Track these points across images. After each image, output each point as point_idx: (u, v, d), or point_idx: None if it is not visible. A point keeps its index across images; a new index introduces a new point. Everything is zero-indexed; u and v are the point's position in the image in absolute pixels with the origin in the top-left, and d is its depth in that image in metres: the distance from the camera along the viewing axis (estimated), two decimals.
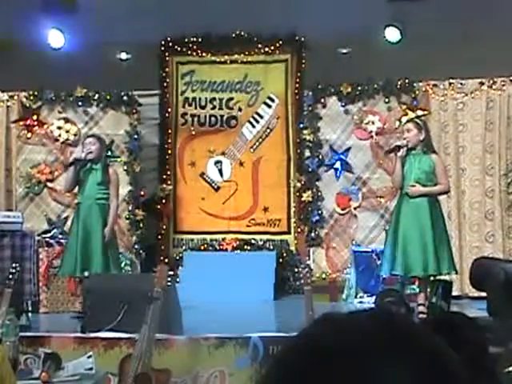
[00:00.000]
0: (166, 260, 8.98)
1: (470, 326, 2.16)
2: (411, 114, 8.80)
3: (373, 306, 6.99)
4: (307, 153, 9.20)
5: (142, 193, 9.29)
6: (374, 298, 7.22)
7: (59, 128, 9.23)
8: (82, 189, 7.08)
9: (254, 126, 9.45)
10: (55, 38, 8.76)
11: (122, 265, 8.69)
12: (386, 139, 8.89)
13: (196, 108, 9.56)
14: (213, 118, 9.54)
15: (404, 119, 8.40)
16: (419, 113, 8.83)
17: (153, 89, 9.49)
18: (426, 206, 6.54)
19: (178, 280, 8.36)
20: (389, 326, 0.84)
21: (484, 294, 6.70)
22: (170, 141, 9.49)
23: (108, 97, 9.28)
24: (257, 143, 9.44)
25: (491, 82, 8.77)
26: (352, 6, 8.01)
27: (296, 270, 8.38)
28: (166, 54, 9.51)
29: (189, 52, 9.51)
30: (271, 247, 9.21)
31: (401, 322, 0.86)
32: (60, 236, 8.28)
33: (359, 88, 9.07)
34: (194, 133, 9.55)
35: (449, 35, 8.49)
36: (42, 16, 8.32)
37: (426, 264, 6.45)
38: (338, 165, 9.12)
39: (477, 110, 8.77)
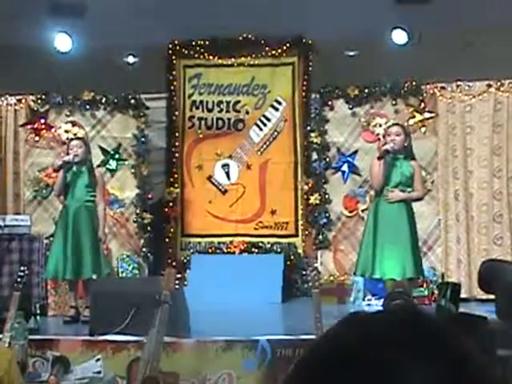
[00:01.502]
0: (174, 263, 8.98)
1: (478, 326, 2.16)
2: (419, 117, 8.80)
3: (381, 308, 6.97)
4: (314, 155, 9.19)
5: (150, 196, 9.29)
6: (382, 300, 7.21)
7: (67, 131, 9.24)
8: (71, 192, 7.10)
9: (261, 129, 9.45)
10: (62, 42, 8.78)
11: (130, 268, 8.73)
12: None
13: (203, 111, 9.57)
14: (220, 121, 9.54)
15: (391, 124, 8.24)
16: (427, 115, 8.82)
17: (160, 92, 9.51)
18: (404, 210, 6.66)
19: (185, 283, 8.37)
20: (419, 330, 0.83)
21: (492, 297, 6.67)
22: (177, 144, 9.49)
23: (115, 100, 9.29)
24: (264, 146, 9.44)
25: (499, 84, 8.75)
26: (359, 8, 8.00)
27: (304, 272, 8.37)
28: (173, 57, 9.52)
29: (196, 55, 9.51)
30: (279, 250, 9.20)
31: (431, 326, 0.84)
32: None
33: (366, 90, 9.06)
34: (201, 136, 9.55)
35: (456, 37, 8.49)
36: (49, 20, 8.34)
37: (405, 267, 6.53)
38: (345, 167, 9.10)
39: (484, 112, 8.74)
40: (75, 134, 9.19)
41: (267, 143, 9.43)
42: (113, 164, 9.22)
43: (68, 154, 7.17)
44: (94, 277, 6.90)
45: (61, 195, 7.33)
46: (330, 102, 9.18)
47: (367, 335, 0.82)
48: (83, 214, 7.06)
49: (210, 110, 9.56)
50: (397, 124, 7.22)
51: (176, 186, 9.43)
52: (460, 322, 2.12)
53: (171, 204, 9.39)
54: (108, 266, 7.29)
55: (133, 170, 9.23)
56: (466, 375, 0.80)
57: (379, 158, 6.76)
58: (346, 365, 0.80)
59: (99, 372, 5.10)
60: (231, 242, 9.28)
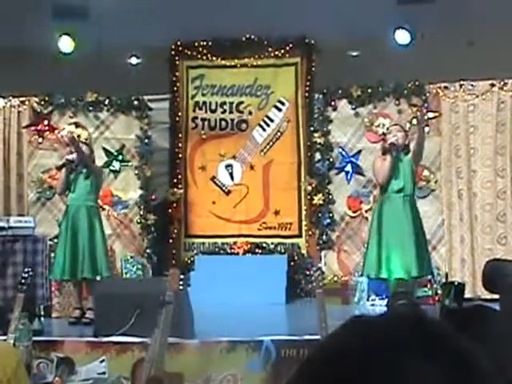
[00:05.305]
0: (178, 264, 8.98)
1: (497, 318, 2.14)
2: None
3: (385, 308, 6.98)
4: (318, 156, 9.19)
5: (153, 197, 9.30)
6: (386, 300, 7.20)
7: (70, 133, 9.24)
8: (72, 191, 7.13)
9: (264, 130, 9.45)
10: (66, 44, 8.79)
11: (134, 269, 8.73)
12: None
13: (206, 112, 9.57)
14: (223, 122, 9.54)
15: (390, 125, 8.26)
16: (430, 115, 8.82)
17: (163, 93, 9.51)
18: (408, 207, 6.67)
19: (189, 284, 8.37)
20: (421, 332, 0.83)
21: (497, 297, 6.67)
22: (180, 145, 9.50)
23: (118, 101, 9.30)
24: (267, 147, 9.43)
25: (502, 83, 8.74)
26: (362, 8, 8.00)
27: (308, 273, 8.33)
28: (176, 58, 9.53)
29: (199, 56, 9.52)
30: (282, 250, 9.20)
31: (433, 328, 0.85)
32: None
33: (370, 91, 9.06)
34: (204, 137, 9.55)
35: (459, 37, 8.48)
36: (52, 21, 8.35)
37: (410, 266, 6.54)
38: (348, 168, 9.10)
39: (488, 111, 8.74)
40: (78, 136, 9.20)
41: (270, 144, 9.43)
42: (116, 165, 9.23)
43: (71, 152, 7.21)
44: (98, 278, 6.90)
45: (63, 194, 7.34)
46: (333, 103, 9.18)
47: (372, 339, 0.82)
48: (82, 214, 7.07)
49: (213, 111, 9.56)
50: (396, 124, 7.37)
51: (179, 186, 9.43)
52: (474, 315, 2.10)
53: (175, 205, 9.39)
54: (107, 270, 7.11)
55: (136, 171, 9.24)
56: (467, 378, 0.81)
57: (384, 153, 6.80)
58: (350, 368, 0.80)
59: (104, 373, 5.11)
60: (235, 243, 9.28)
